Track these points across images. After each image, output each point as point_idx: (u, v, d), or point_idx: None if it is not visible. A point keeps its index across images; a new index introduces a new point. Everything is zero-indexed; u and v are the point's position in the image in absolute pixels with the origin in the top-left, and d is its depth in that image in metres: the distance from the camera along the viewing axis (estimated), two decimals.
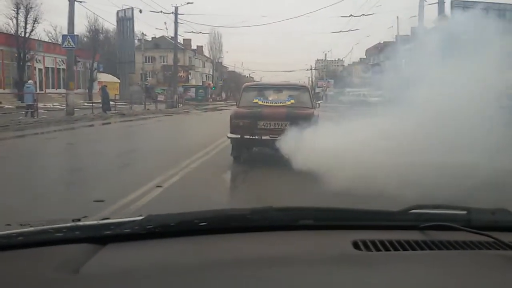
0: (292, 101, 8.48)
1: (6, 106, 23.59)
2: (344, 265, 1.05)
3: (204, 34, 67.92)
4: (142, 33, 57.15)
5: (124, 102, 33.36)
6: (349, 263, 1.06)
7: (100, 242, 1.16)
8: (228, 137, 8.16)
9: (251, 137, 7.73)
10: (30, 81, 24.35)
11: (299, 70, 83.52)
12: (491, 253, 1.11)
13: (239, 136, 7.76)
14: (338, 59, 77.72)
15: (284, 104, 8.39)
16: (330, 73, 77.40)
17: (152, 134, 14.99)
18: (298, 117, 7.39)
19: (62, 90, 35.35)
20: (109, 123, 19.82)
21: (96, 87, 40.40)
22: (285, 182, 6.09)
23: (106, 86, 26.68)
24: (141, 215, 1.27)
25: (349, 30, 35.96)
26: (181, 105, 40.85)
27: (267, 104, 8.40)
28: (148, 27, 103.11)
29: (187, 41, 73.31)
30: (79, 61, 22.45)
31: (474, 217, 1.28)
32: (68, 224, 1.24)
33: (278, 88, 9.28)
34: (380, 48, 68.33)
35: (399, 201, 2.00)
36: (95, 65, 39.92)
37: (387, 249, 1.13)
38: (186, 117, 26.85)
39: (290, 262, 1.06)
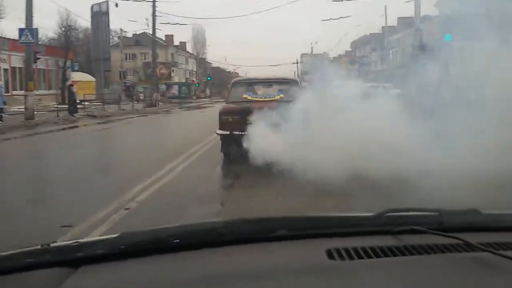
0: (282, 95, 8.38)
1: None
2: (318, 276, 1.05)
3: (186, 29, 65.87)
4: (121, 29, 54.63)
5: (100, 102, 31.14)
6: (323, 273, 1.06)
7: (73, 265, 1.11)
8: (217, 134, 8.00)
9: (240, 133, 7.38)
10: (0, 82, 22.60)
11: (285, 64, 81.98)
12: (460, 256, 1.13)
13: (228, 132, 7.61)
14: (324, 52, 76.54)
15: (273, 98, 8.29)
16: (314, 67, 75.54)
17: (113, 142, 12.85)
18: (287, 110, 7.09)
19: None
20: (73, 127, 17.60)
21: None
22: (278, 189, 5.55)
23: (72, 86, 24.41)
24: (112, 234, 1.22)
25: (340, 17, 34.07)
26: (162, 103, 38.59)
27: (257, 99, 8.33)
28: (128, 23, 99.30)
29: (169, 37, 71.21)
30: (38, 58, 19.96)
31: (446, 219, 1.29)
32: (37, 247, 1.19)
33: (267, 82, 9.15)
34: (366, 41, 67.66)
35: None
36: (68, 63, 37.34)
37: (360, 257, 1.12)
38: (162, 117, 24.62)
39: (263, 276, 1.05)
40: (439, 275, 1.04)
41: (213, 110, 28.53)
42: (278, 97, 8.38)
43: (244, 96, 8.48)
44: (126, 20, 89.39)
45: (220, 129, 7.88)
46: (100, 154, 9.63)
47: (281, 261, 1.13)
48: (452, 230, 1.21)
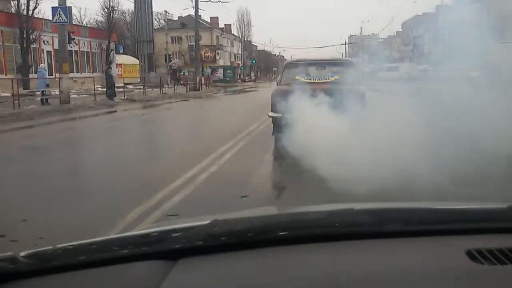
0: (336, 77, 8.14)
1: (3, 94, 20.39)
2: (468, 283, 0.90)
3: (232, 12, 64.34)
4: (166, 11, 53.79)
5: (146, 85, 30.23)
6: (474, 280, 0.91)
7: (170, 256, 1.04)
8: (269, 116, 7.86)
9: (292, 115, 6.87)
10: (42, 65, 22.21)
11: (332, 46, 79.31)
12: None
13: (280, 115, 7.15)
14: (373, 33, 73.37)
15: (328, 80, 8.08)
16: (364, 48, 73.06)
17: (139, 135, 10.99)
18: (344, 92, 6.89)
19: (76, 74, 32.49)
20: (109, 112, 16.39)
21: (115, 70, 37.32)
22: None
23: (110, 68, 23.31)
24: (204, 221, 1.12)
25: None
26: (205, 87, 37.27)
27: (310, 81, 8.09)
28: (174, 6, 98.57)
29: (214, 20, 70.15)
30: (73, 39, 18.82)
31: None
32: (132, 234, 1.18)
33: (321, 63, 8.89)
34: (419, 21, 64.02)
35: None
36: (112, 46, 36.62)
37: (509, 259, 0.96)
38: (202, 103, 22.88)
39: (392, 280, 0.92)
40: None
41: (257, 95, 27.11)
42: (332, 78, 8.14)
43: (297, 77, 8.13)
44: (171, 2, 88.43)
45: (272, 111, 7.64)
46: (110, 154, 8.02)
47: (412, 262, 0.98)
48: None
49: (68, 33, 17.66)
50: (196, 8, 33.21)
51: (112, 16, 35.00)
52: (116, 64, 38.20)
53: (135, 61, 41.43)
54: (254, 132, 9.64)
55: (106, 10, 35.14)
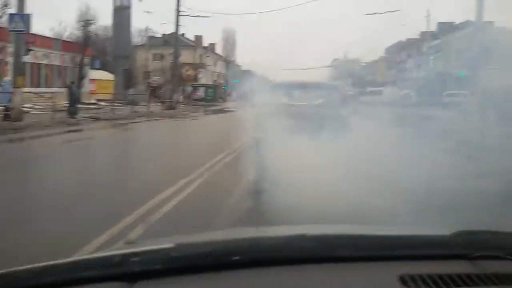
0: (321, 100, 8.30)
1: None
2: None
3: (216, 31, 63.39)
4: (147, 27, 52.43)
5: (118, 102, 28.54)
6: None
7: (128, 278, 1.07)
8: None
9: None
10: (6, 78, 20.42)
11: (316, 68, 78.66)
12: None
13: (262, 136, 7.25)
14: (356, 58, 73.95)
15: (312, 104, 8.18)
16: (347, 72, 73.41)
17: (77, 160, 9.35)
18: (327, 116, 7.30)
19: (44, 89, 30.63)
20: (59, 133, 14.48)
21: (87, 86, 35.56)
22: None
23: (74, 83, 21.63)
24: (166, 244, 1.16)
25: (387, 11, 30.79)
26: (184, 106, 35.70)
27: (295, 103, 8.21)
28: (159, 25, 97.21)
29: (198, 38, 69.32)
30: (30, 50, 16.98)
31: None
32: (90, 257, 1.23)
33: (306, 87, 8.96)
34: (402, 46, 64.08)
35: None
36: (86, 60, 34.93)
37: (437, 285, 1.04)
38: (173, 123, 21.20)
39: None
40: None
41: (234, 116, 25.67)
42: (317, 102, 8.16)
43: (282, 100, 8.10)
44: (157, 20, 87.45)
45: (255, 133, 7.76)
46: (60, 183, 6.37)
47: (344, 285, 1.06)
48: None
49: (25, 43, 15.91)
50: (177, 23, 31.88)
51: (87, 30, 33.35)
52: (90, 79, 36.49)
53: (111, 77, 39.76)
54: (215, 167, 7.99)
55: (81, 24, 33.47)
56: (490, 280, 1.06)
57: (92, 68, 39.35)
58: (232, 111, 32.04)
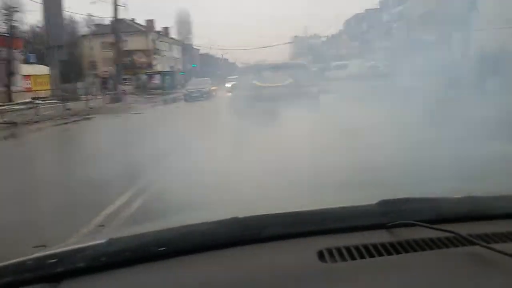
0: (291, 80, 8.48)
1: None
2: (308, 281, 1.01)
3: (169, 15, 59.68)
4: (89, 14, 47.99)
5: (57, 99, 24.80)
6: (313, 278, 1.02)
7: (54, 279, 1.06)
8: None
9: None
10: None
11: (276, 46, 77.70)
12: (454, 251, 1.11)
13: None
14: (315, 34, 72.73)
15: (283, 83, 8.38)
16: (308, 48, 71.95)
17: None
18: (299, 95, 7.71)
19: None
20: None
21: (20, 83, 31.38)
22: None
23: None
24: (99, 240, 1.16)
25: None
26: (135, 96, 32.09)
27: (266, 84, 8.46)
28: (107, 10, 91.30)
29: (149, 22, 64.94)
30: None
31: (442, 209, 1.29)
32: (13, 261, 1.14)
33: (275, 67, 9.34)
34: (362, 18, 62.20)
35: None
36: (17, 54, 30.71)
37: (353, 257, 1.09)
38: (109, 122, 17.04)
39: (252, 284, 1.02)
40: (433, 274, 1.02)
41: (190, 108, 22.35)
42: (287, 82, 8.42)
43: (254, 82, 8.54)
44: (105, 9, 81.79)
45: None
46: None
47: (268, 265, 1.09)
48: (448, 221, 1.22)
49: None
50: (115, 2, 28.03)
51: (11, 19, 28.98)
52: (24, 75, 32.27)
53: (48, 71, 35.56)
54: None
55: (4, 12, 29.06)
56: (403, 248, 1.10)
57: (27, 62, 35.13)
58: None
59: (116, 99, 26.88)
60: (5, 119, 16.58)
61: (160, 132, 10.63)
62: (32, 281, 1.04)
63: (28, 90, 31.75)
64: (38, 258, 1.12)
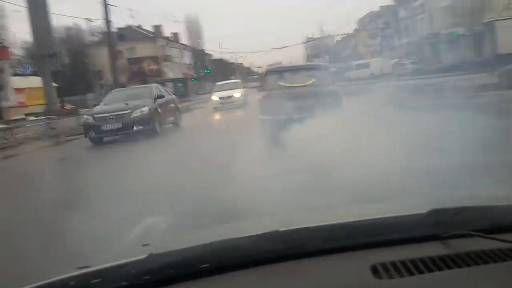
0: (313, 80, 8.80)
1: None
2: None
3: (178, 20, 57.01)
4: (88, 19, 44.83)
5: (53, 115, 21.42)
6: None
7: None
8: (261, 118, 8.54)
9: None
10: None
11: (289, 47, 75.35)
12: None
13: (270, 117, 8.05)
14: (328, 35, 69.68)
15: (306, 83, 8.73)
16: (323, 48, 68.80)
17: None
18: (322, 94, 7.99)
19: None
20: None
21: (13, 98, 28.09)
22: None
23: None
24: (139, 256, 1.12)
25: None
26: None
27: (291, 85, 8.78)
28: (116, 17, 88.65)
29: (157, 28, 61.91)
30: None
31: (497, 219, 1.19)
32: (56, 279, 1.13)
33: (298, 69, 9.80)
34: (376, 15, 58.76)
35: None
36: (5, 65, 27.48)
37: (410, 272, 1.01)
38: (94, 155, 11.60)
39: None
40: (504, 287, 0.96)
41: (199, 116, 18.35)
42: (310, 81, 8.70)
43: (279, 83, 8.83)
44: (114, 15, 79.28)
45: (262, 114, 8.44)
46: None
47: (320, 281, 1.04)
48: (504, 230, 1.15)
49: None
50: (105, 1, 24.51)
51: None
52: (16, 89, 28.97)
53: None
54: None
55: None
56: (463, 261, 1.04)
57: (22, 74, 31.99)
58: (201, 108, 25.11)
59: None
60: None
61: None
62: None
63: (22, 105, 28.48)
64: (79, 277, 1.10)
